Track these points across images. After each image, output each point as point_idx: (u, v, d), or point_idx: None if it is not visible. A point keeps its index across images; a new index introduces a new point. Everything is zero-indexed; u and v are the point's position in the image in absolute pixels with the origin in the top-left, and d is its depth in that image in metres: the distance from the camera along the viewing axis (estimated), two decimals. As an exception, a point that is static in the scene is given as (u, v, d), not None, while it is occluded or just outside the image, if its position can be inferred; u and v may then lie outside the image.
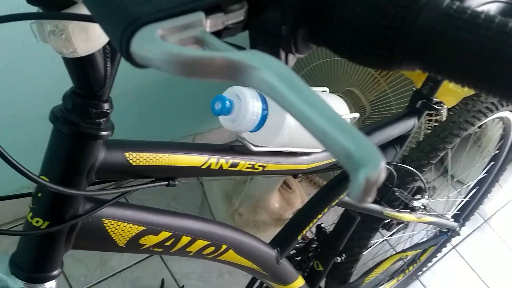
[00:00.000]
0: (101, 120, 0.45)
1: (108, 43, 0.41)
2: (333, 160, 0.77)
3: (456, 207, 1.57)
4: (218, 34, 0.22)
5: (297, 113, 0.17)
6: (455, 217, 1.51)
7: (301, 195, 1.62)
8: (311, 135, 0.17)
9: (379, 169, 0.15)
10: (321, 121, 0.17)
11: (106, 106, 0.45)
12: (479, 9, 0.21)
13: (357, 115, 0.72)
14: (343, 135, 0.16)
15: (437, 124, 1.23)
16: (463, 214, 1.55)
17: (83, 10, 0.37)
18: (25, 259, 0.49)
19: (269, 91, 0.18)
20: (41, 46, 0.41)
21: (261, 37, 0.24)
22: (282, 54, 0.25)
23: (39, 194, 0.47)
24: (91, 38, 0.38)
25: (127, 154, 0.50)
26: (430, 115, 1.32)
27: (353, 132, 0.16)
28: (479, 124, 1.10)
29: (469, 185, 1.57)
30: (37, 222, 0.47)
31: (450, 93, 1.23)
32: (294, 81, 0.18)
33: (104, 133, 0.45)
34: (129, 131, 1.29)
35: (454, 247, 1.90)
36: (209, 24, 0.21)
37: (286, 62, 0.25)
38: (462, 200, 1.56)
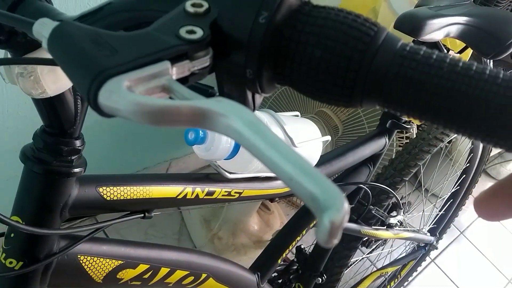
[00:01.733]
0: (73, 157, 0.45)
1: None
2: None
3: (432, 221, 1.59)
4: (184, 80, 0.23)
5: (264, 159, 0.18)
6: (432, 231, 1.53)
7: (280, 216, 1.62)
8: (279, 179, 0.18)
9: (343, 212, 0.16)
10: (287, 166, 0.18)
11: (77, 143, 0.45)
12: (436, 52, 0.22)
13: (328, 138, 0.73)
14: (308, 180, 0.17)
15: (407, 141, 1.26)
16: (439, 227, 1.58)
17: (51, 51, 0.37)
18: (-1, 302, 0.48)
19: (237, 137, 0.19)
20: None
21: (227, 79, 0.25)
22: (249, 94, 0.25)
23: (12, 235, 0.46)
24: (60, 79, 0.39)
25: (100, 189, 0.50)
26: (401, 132, 1.35)
27: (318, 176, 0.17)
28: (448, 140, 1.14)
29: (443, 198, 1.60)
30: (11, 263, 0.46)
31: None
32: (260, 128, 0.18)
33: (76, 170, 0.45)
34: (101, 161, 1.29)
35: (432, 260, 1.93)
36: (175, 71, 0.22)
37: (253, 101, 0.26)
38: (438, 214, 1.59)
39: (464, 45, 0.94)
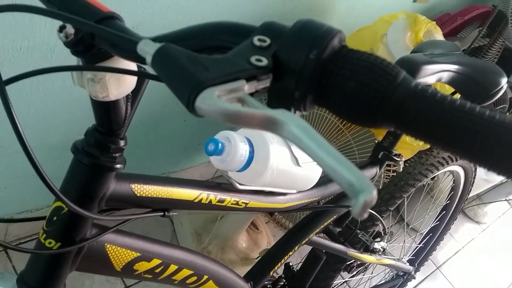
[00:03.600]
0: (116, 155, 0.52)
1: (132, 90, 0.49)
2: (304, 201, 0.86)
3: (412, 253, 1.67)
4: (251, 95, 0.30)
5: (314, 156, 0.26)
6: (410, 262, 1.61)
7: (267, 236, 1.68)
8: (324, 171, 0.25)
9: (372, 194, 0.24)
10: (331, 161, 0.25)
11: (122, 142, 0.52)
12: (437, 91, 0.30)
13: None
14: (347, 171, 0.24)
15: (394, 174, 1.34)
16: (418, 259, 1.66)
17: (118, 63, 0.45)
18: (34, 277, 0.54)
19: (295, 140, 0.26)
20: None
21: (278, 98, 0.32)
22: (292, 111, 0.33)
23: (54, 218, 0.52)
24: (122, 86, 0.46)
25: (133, 186, 0.57)
26: (389, 165, 1.44)
27: (354, 169, 0.25)
28: (432, 176, 1.23)
29: (422, 232, 1.69)
30: (50, 243, 0.52)
31: (407, 146, 1.36)
32: (312, 133, 0.26)
33: (118, 166, 0.52)
34: (135, 161, 1.37)
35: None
36: (247, 88, 0.30)
37: (295, 117, 0.34)
38: (417, 246, 1.67)
39: (453, 90, 1.03)
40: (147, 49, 0.31)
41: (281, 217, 1.66)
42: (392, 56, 1.32)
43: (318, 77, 0.31)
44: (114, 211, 0.58)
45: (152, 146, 1.47)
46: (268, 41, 0.32)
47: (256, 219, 1.67)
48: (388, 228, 1.37)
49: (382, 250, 1.19)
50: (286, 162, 0.72)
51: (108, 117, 0.50)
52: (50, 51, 0.92)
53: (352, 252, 1.06)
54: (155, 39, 0.38)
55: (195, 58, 0.30)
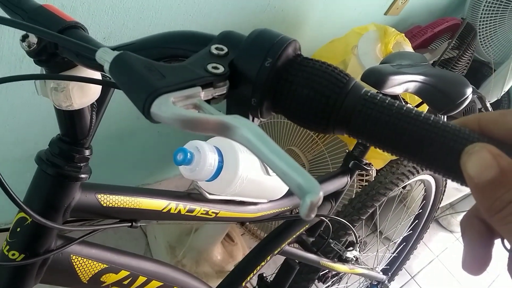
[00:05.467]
0: (82, 164, 0.52)
1: (97, 99, 0.49)
2: (275, 210, 0.86)
3: (386, 262, 1.69)
4: (208, 102, 0.31)
5: (266, 160, 0.26)
6: (385, 271, 1.63)
7: (242, 248, 1.68)
8: (275, 174, 0.26)
9: (319, 195, 0.24)
10: (281, 164, 0.26)
11: (87, 152, 0.52)
12: (390, 96, 0.31)
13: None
14: (296, 174, 0.25)
15: (366, 184, 1.36)
16: (392, 268, 1.67)
17: (82, 72, 0.45)
18: (-5, 291, 0.53)
19: (248, 144, 0.27)
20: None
21: (236, 105, 0.33)
22: (250, 118, 0.34)
23: (18, 229, 0.52)
24: (85, 95, 0.46)
25: (99, 196, 0.56)
26: (361, 175, 1.46)
27: (302, 172, 0.25)
28: (402, 185, 1.25)
29: (396, 242, 1.71)
30: (13, 255, 0.51)
31: (379, 156, 1.38)
32: (263, 137, 0.27)
33: (83, 175, 0.52)
34: (106, 173, 1.36)
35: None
36: (203, 95, 0.30)
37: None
38: (391, 255, 1.69)
39: (421, 100, 1.06)
40: (106, 57, 0.32)
41: (256, 228, 1.66)
42: (363, 67, 1.35)
43: (273, 84, 0.32)
44: (80, 222, 0.58)
45: (126, 158, 1.46)
46: (226, 49, 0.33)
47: (231, 231, 1.67)
48: (360, 237, 1.39)
49: (355, 259, 1.20)
50: (255, 172, 0.72)
51: (73, 126, 0.50)
52: (19, 62, 0.91)
53: (324, 261, 1.07)
54: (115, 48, 0.38)
55: (152, 65, 0.30)
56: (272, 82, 0.32)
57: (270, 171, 0.74)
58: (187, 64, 0.31)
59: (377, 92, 0.94)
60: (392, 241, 1.74)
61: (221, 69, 0.31)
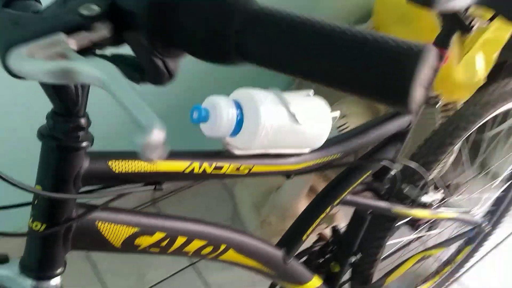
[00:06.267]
0: (79, 133, 0.52)
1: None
2: (321, 160, 0.81)
3: (491, 204, 1.52)
4: (89, 49, 0.28)
5: (118, 100, 0.23)
6: (489, 214, 1.47)
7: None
8: (126, 113, 0.23)
9: (155, 133, 0.21)
10: (128, 103, 0.23)
11: (83, 120, 0.52)
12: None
13: (337, 113, 0.76)
14: (138, 111, 0.22)
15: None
16: (497, 210, 1.50)
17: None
18: (31, 260, 0.57)
19: (104, 86, 0.24)
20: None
21: (135, 49, 0.30)
22: (159, 61, 0.30)
23: (36, 201, 0.55)
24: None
25: (110, 163, 0.57)
26: (446, 110, 1.32)
27: (146, 109, 0.22)
28: (488, 117, 1.09)
29: (501, 179, 1.52)
30: (36, 226, 0.55)
31: (461, 87, 1.22)
32: (118, 79, 0.24)
33: (83, 144, 0.53)
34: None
35: (498, 245, 1.82)
36: (75, 41, 0.28)
37: (166, 67, 0.31)
38: (495, 196, 1.51)
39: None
40: None
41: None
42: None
43: (160, 20, 0.28)
44: (98, 190, 0.59)
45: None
46: None
47: (316, 185, 1.63)
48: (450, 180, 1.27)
49: (439, 202, 1.10)
50: (281, 121, 0.68)
51: (61, 98, 0.50)
52: None
53: (397, 208, 1.00)
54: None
55: (20, 18, 0.28)
56: (157, 17, 0.28)
57: (299, 119, 0.69)
58: (52, 9, 0.29)
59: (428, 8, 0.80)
60: (499, 177, 1.53)
61: (96, 9, 0.28)
